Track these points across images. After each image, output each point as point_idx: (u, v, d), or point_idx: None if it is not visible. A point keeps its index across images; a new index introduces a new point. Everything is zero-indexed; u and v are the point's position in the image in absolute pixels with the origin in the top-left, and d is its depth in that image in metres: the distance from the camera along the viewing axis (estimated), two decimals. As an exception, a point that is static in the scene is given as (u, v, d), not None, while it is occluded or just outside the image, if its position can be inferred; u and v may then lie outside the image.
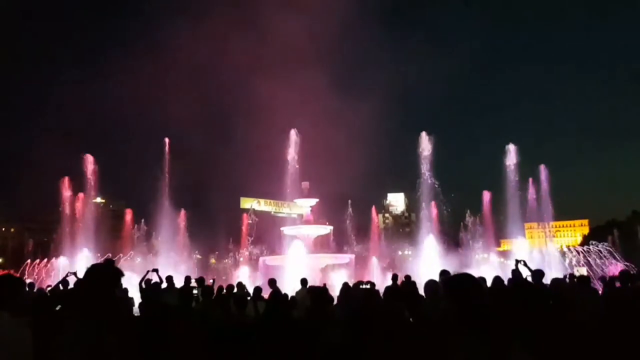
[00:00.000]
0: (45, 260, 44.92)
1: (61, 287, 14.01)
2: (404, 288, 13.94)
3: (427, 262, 36.84)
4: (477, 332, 3.49)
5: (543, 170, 52.52)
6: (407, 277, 16.02)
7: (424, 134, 46.92)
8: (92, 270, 4.29)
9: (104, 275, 4.26)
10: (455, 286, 3.77)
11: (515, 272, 14.26)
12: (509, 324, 4.08)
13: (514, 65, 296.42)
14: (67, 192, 50.91)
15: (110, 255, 40.41)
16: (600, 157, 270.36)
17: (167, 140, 48.71)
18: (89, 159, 48.41)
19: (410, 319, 6.46)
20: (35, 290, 16.68)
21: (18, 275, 4.93)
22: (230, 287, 15.42)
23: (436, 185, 45.69)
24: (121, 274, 4.28)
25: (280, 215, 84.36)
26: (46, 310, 9.98)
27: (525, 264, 14.03)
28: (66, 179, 50.36)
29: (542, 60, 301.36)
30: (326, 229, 43.31)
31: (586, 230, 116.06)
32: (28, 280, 23.55)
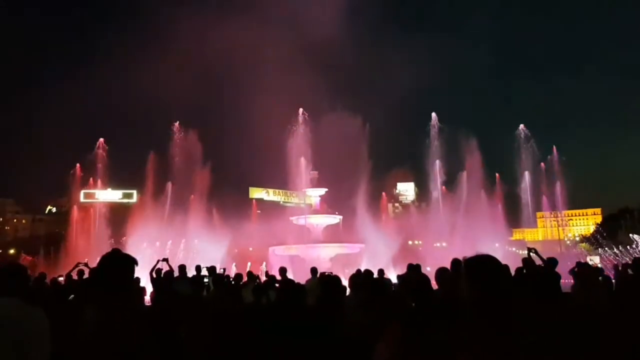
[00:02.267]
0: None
1: (75, 277, 14.06)
2: (413, 277, 13.91)
3: (437, 251, 36.73)
4: (498, 318, 3.29)
5: (556, 158, 52.32)
6: (417, 266, 15.94)
7: (434, 115, 46.93)
8: (107, 259, 4.27)
9: (119, 263, 4.25)
10: (478, 268, 3.44)
11: (527, 261, 14.16)
12: (528, 313, 3.93)
13: (526, 57, 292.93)
14: (77, 184, 51.38)
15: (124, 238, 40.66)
16: (612, 146, 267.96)
17: (176, 124, 49.03)
18: (100, 151, 48.77)
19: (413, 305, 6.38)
20: (46, 280, 16.70)
21: (28, 265, 5.01)
22: (239, 275, 15.41)
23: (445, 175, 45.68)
24: (135, 262, 4.27)
25: (289, 205, 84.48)
26: (61, 300, 10.05)
27: (536, 253, 13.89)
28: (77, 170, 50.80)
29: (554, 52, 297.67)
30: (335, 219, 43.23)
31: (599, 219, 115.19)
32: (40, 271, 23.72)
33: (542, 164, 52.12)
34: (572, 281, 14.45)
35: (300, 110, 46.32)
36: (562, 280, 11.96)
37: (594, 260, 41.97)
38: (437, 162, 46.51)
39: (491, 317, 3.28)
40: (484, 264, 3.46)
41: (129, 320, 4.11)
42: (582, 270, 13.56)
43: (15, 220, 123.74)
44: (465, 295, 3.42)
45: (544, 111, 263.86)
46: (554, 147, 53.26)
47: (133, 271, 4.23)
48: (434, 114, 46.97)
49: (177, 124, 49.48)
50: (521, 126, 51.68)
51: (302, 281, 15.87)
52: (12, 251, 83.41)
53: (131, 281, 4.32)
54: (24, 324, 4.13)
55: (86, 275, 13.80)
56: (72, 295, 10.90)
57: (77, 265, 14.42)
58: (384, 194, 52.58)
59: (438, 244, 40.68)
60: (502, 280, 3.44)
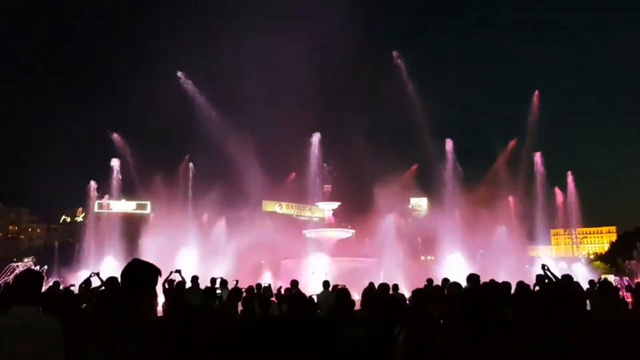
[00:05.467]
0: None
1: (84, 287, 14.19)
2: (430, 290, 13.88)
3: (451, 266, 36.48)
4: (493, 341, 3.37)
5: (570, 177, 52.06)
6: (429, 281, 15.92)
7: (448, 141, 47.05)
8: (131, 268, 4.26)
9: (144, 273, 4.24)
10: (476, 300, 3.62)
11: (540, 277, 14.09)
12: (533, 331, 3.95)
13: (541, 74, 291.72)
14: (92, 195, 51.79)
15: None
16: (628, 163, 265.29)
17: (188, 157, 49.54)
18: (115, 162, 49.20)
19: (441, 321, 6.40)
20: (60, 289, 16.87)
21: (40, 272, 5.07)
22: (251, 288, 15.45)
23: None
24: (159, 272, 4.25)
25: (302, 218, 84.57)
26: (73, 309, 10.12)
27: (548, 270, 13.80)
28: (92, 181, 51.28)
29: (571, 66, 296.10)
30: (348, 233, 43.16)
31: (614, 237, 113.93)
32: (54, 280, 23.96)
33: (557, 188, 51.96)
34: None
35: (317, 135, 46.80)
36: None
37: (609, 279, 41.40)
38: (452, 183, 46.51)
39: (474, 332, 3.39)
40: (481, 297, 3.69)
41: (148, 331, 4.11)
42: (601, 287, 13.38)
43: (30, 230, 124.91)
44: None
45: (561, 127, 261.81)
46: (570, 172, 52.95)
47: (156, 281, 4.22)
48: (447, 140, 47.23)
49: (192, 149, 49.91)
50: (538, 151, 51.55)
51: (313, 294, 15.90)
52: (26, 260, 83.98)
53: (153, 291, 4.29)
54: (41, 333, 4.18)
55: (94, 285, 14.00)
56: (84, 305, 10.99)
57: (90, 276, 14.57)
58: (397, 214, 52.49)
59: (450, 261, 40.38)
60: (497, 310, 3.57)
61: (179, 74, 52.99)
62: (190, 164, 50.14)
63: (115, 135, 51.30)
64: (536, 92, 55.95)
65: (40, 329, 4.20)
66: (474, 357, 3.39)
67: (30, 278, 4.61)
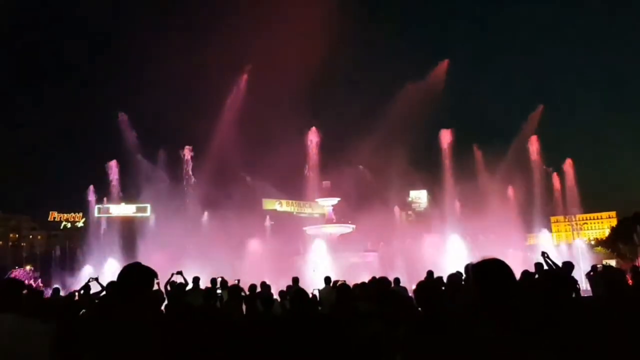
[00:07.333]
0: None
1: (82, 292, 14.22)
2: (426, 282, 13.86)
3: (451, 257, 36.55)
4: (503, 322, 3.23)
5: (570, 163, 52.06)
6: (430, 273, 15.95)
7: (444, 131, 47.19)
8: (126, 271, 4.29)
9: (138, 275, 4.27)
10: (483, 271, 3.41)
11: (539, 265, 14.11)
12: (538, 318, 3.88)
13: (540, 54, 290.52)
14: (92, 200, 51.85)
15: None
16: (627, 148, 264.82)
17: (187, 151, 49.45)
18: (113, 166, 49.12)
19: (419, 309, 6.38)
20: (60, 295, 16.89)
21: (39, 279, 5.15)
22: (254, 286, 15.45)
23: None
24: (155, 275, 4.29)
25: (302, 215, 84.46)
26: (72, 315, 10.14)
27: (548, 257, 13.81)
28: (91, 187, 51.30)
29: (570, 47, 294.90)
30: (349, 228, 43.20)
31: (614, 222, 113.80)
32: (55, 286, 24.00)
33: (555, 173, 51.96)
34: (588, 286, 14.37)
35: (313, 128, 46.97)
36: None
37: (611, 264, 41.49)
38: (449, 171, 46.61)
39: (495, 319, 3.24)
40: (489, 268, 3.43)
41: (145, 333, 4.13)
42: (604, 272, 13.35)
43: (31, 237, 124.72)
44: (472, 298, 3.41)
45: (559, 112, 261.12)
46: (569, 159, 52.95)
47: (152, 284, 4.26)
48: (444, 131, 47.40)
49: (189, 147, 49.86)
50: (534, 136, 51.58)
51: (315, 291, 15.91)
52: (28, 267, 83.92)
53: (149, 294, 4.32)
54: (24, 339, 4.23)
55: (93, 291, 14.05)
56: (84, 310, 11.01)
57: (89, 281, 14.60)
58: (396, 207, 52.40)
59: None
60: (508, 283, 3.39)
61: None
62: (189, 161, 50.00)
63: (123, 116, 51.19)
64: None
65: (22, 333, 4.27)
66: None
67: (10, 286, 4.82)
